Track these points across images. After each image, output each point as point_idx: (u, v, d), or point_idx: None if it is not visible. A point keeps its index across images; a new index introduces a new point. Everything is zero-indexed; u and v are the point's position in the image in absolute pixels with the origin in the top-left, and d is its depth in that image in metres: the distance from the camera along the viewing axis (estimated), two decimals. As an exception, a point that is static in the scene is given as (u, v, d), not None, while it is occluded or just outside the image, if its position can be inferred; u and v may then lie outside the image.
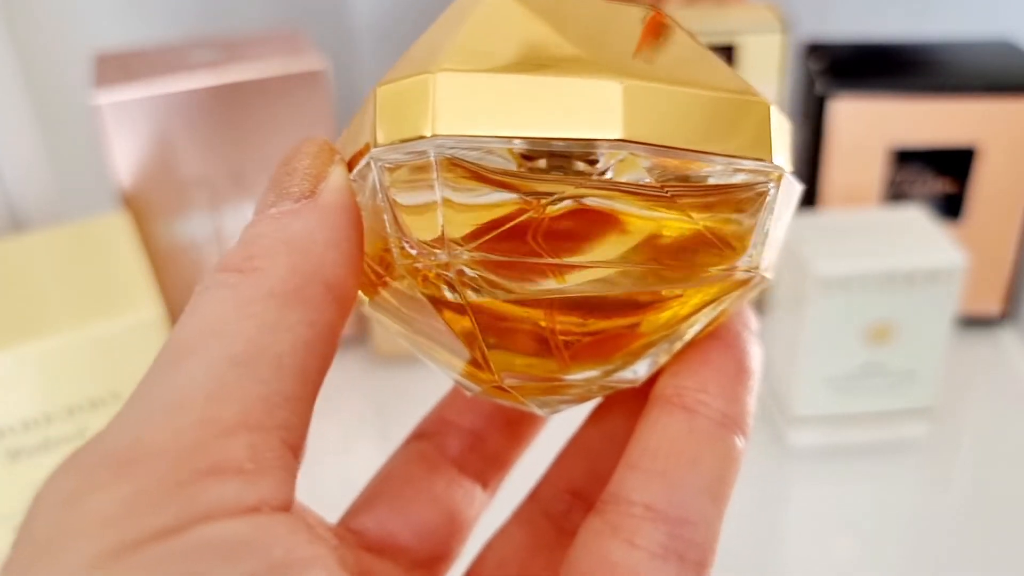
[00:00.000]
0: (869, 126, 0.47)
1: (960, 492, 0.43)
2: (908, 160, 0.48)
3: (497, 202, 0.15)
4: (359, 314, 0.49)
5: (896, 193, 0.49)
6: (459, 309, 0.16)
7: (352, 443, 0.44)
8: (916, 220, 0.43)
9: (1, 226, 0.49)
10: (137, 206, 0.42)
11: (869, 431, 0.43)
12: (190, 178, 0.43)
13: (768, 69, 0.45)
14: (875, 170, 0.48)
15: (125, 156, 0.41)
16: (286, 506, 0.13)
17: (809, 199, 0.49)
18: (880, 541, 0.40)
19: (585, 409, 0.20)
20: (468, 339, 0.16)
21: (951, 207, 0.49)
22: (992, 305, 0.51)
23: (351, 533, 0.18)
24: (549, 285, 0.15)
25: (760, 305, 0.47)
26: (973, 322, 0.51)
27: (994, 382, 0.48)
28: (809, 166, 0.49)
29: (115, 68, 0.42)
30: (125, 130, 0.41)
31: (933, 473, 0.44)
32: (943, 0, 0.54)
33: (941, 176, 0.48)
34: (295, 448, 0.14)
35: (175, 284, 0.44)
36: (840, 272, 0.40)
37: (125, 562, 0.12)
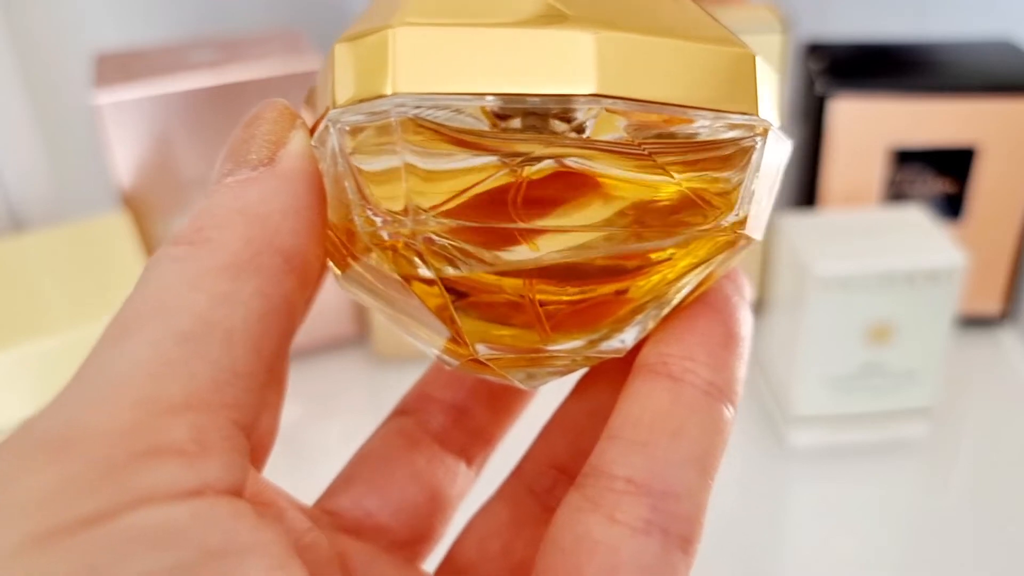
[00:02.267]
0: (869, 126, 0.47)
1: (960, 492, 0.43)
2: (908, 160, 0.48)
3: (471, 167, 0.14)
4: (359, 314, 0.49)
5: (896, 193, 0.49)
6: (429, 281, 0.15)
7: (352, 443, 0.44)
8: (916, 220, 0.43)
9: (1, 226, 0.49)
10: (137, 206, 0.42)
11: (869, 431, 0.43)
12: (190, 178, 0.43)
13: (768, 69, 0.45)
14: (875, 170, 0.48)
15: (125, 156, 0.41)
16: (235, 489, 0.13)
17: (809, 199, 0.49)
18: (880, 541, 0.40)
19: (573, 383, 0.19)
20: (439, 311, 0.15)
21: (951, 207, 0.49)
22: (992, 305, 0.51)
23: (326, 514, 0.18)
24: (525, 254, 0.14)
25: (759, 305, 0.47)
26: (973, 322, 0.51)
27: (994, 382, 0.48)
28: (809, 166, 0.49)
29: (115, 68, 0.42)
30: (125, 130, 0.41)
31: (933, 473, 0.44)
32: (943, 0, 0.54)
33: (941, 176, 0.48)
34: (247, 428, 0.13)
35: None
36: (840, 272, 0.40)
37: (50, 549, 0.11)
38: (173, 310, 0.13)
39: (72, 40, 0.50)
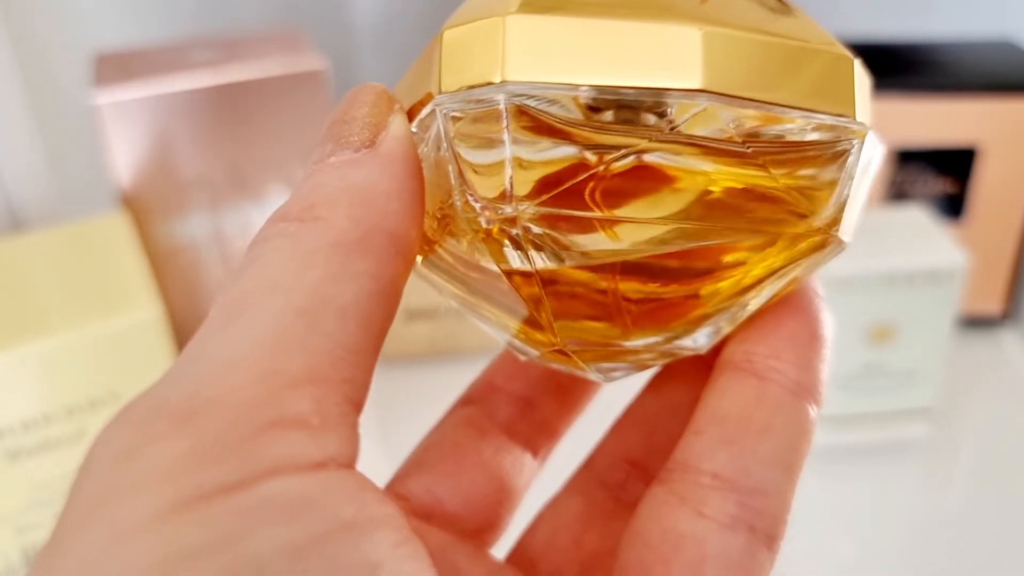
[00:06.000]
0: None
1: (960, 492, 0.43)
2: (909, 160, 0.48)
3: (561, 157, 0.14)
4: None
5: (897, 193, 0.49)
6: (524, 273, 0.15)
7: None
8: (917, 220, 0.43)
9: (1, 226, 0.49)
10: (137, 206, 0.42)
11: (870, 431, 0.43)
12: (190, 178, 0.43)
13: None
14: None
15: (125, 156, 0.41)
16: (352, 463, 0.13)
17: (810, 199, 0.49)
18: (880, 541, 0.40)
19: (638, 379, 0.19)
20: (534, 302, 0.16)
21: (952, 207, 0.49)
22: (993, 305, 0.51)
23: (399, 498, 0.18)
24: (608, 244, 0.15)
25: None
26: (974, 322, 0.51)
27: (995, 382, 0.48)
28: (810, 166, 0.49)
29: (115, 68, 0.42)
30: (125, 130, 0.41)
31: (933, 473, 0.44)
32: (944, 0, 0.54)
33: (942, 176, 0.48)
34: (358, 404, 0.14)
35: (175, 284, 0.44)
36: (841, 272, 0.40)
37: (184, 518, 0.11)
38: (288, 285, 0.13)
39: (72, 40, 0.50)
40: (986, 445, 0.45)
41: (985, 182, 0.48)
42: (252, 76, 0.42)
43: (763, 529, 0.15)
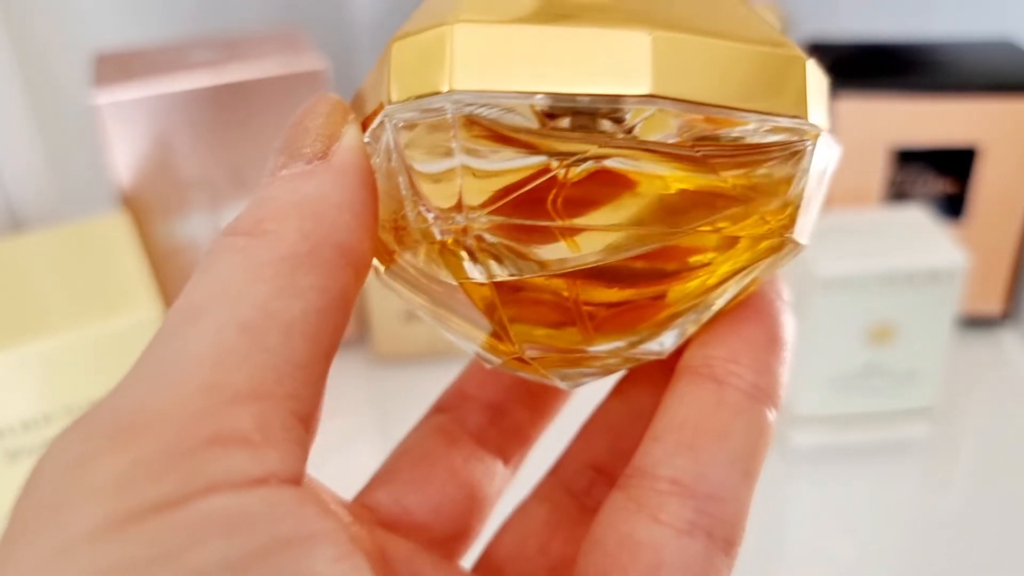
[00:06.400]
0: (870, 126, 0.47)
1: (960, 492, 0.43)
2: (909, 160, 0.48)
3: (520, 166, 0.14)
4: (359, 314, 0.49)
5: (897, 193, 0.49)
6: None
7: (352, 443, 0.44)
8: (917, 220, 0.43)
9: (1, 226, 0.49)
10: (137, 206, 0.42)
11: (870, 431, 0.43)
12: (190, 178, 0.43)
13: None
14: (876, 170, 0.48)
15: (125, 156, 0.41)
16: (295, 479, 0.13)
17: (810, 199, 0.49)
18: (880, 541, 0.40)
19: (608, 383, 0.19)
20: (488, 309, 0.16)
21: (952, 207, 0.49)
22: (993, 305, 0.51)
23: (366, 509, 0.18)
24: (565, 252, 0.15)
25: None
26: (974, 322, 0.51)
27: (995, 382, 0.48)
28: (810, 166, 0.48)
29: (115, 68, 0.42)
30: (125, 130, 0.41)
31: (933, 473, 0.44)
32: (944, 0, 0.54)
33: (942, 176, 0.48)
34: (306, 419, 0.14)
35: (175, 284, 0.44)
36: (841, 272, 0.40)
37: (125, 532, 0.11)
38: (235, 299, 0.13)
39: (72, 40, 0.50)
40: (986, 445, 0.45)
41: (985, 182, 0.48)
42: (252, 76, 0.42)
43: (721, 535, 0.15)
